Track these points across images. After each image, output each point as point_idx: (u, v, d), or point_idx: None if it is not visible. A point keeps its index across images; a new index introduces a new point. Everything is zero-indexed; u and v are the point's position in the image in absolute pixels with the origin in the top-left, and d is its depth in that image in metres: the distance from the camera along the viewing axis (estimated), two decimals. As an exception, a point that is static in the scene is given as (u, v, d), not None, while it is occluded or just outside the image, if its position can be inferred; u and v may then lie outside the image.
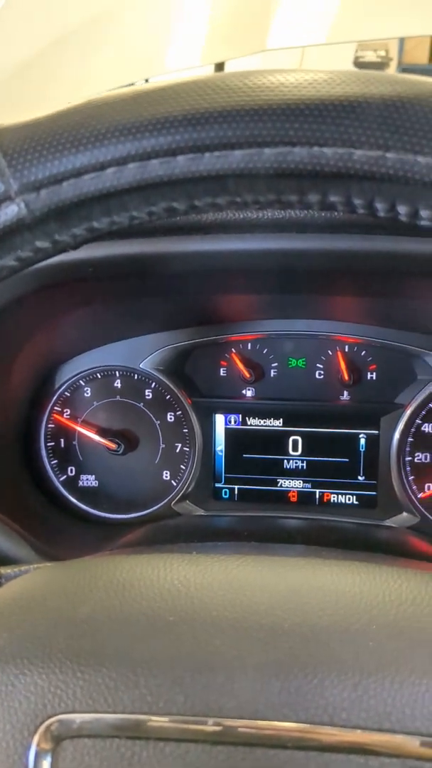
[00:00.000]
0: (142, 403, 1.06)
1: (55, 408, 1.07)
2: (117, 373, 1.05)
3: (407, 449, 1.01)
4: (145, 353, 1.03)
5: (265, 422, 1.05)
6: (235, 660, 0.35)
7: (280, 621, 0.37)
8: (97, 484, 1.08)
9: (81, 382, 1.06)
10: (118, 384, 1.06)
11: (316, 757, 0.33)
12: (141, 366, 1.04)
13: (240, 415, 1.05)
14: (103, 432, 1.06)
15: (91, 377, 1.06)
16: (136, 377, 1.05)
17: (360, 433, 1.03)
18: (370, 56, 3.46)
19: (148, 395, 1.05)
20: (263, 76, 0.35)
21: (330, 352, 1.02)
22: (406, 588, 0.40)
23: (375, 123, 0.32)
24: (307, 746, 0.33)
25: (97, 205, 0.35)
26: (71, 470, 1.08)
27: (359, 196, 0.34)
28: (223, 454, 1.06)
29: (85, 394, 1.06)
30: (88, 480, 1.09)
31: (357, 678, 0.35)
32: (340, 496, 1.04)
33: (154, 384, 1.05)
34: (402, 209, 0.34)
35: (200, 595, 0.39)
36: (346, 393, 1.03)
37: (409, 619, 0.37)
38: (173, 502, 1.06)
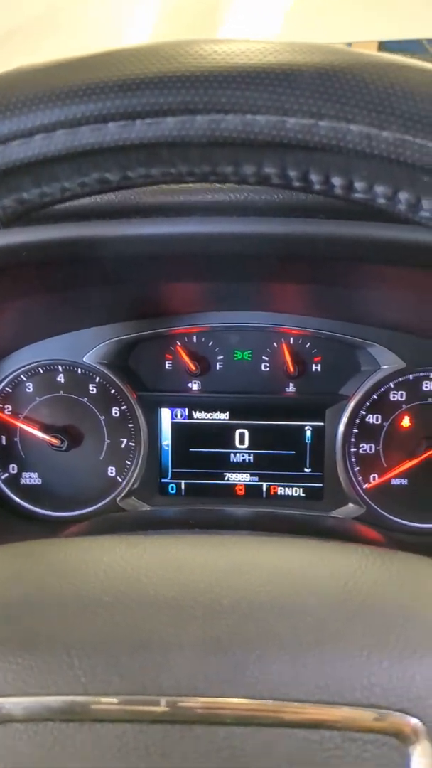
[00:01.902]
0: (86, 398, 1.04)
1: (-4, 404, 1.04)
2: (60, 367, 1.03)
3: (352, 440, 1.02)
4: (89, 347, 1.02)
5: (211, 415, 1.04)
6: (172, 638, 0.35)
7: (219, 598, 0.37)
8: (40, 482, 1.06)
9: (22, 377, 1.03)
10: (61, 379, 1.04)
11: (256, 732, 0.33)
12: (84, 360, 1.02)
13: (186, 409, 1.05)
14: (45, 428, 1.04)
15: (32, 372, 1.03)
16: (79, 371, 1.03)
17: (306, 425, 1.03)
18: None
19: (92, 390, 1.04)
20: (196, 44, 0.34)
21: (275, 345, 1.02)
22: (346, 562, 0.40)
23: (308, 91, 0.32)
24: (247, 722, 0.33)
25: (26, 175, 0.34)
26: (13, 468, 1.06)
27: (294, 167, 0.34)
28: (170, 449, 1.05)
29: (27, 390, 1.04)
30: (31, 477, 1.06)
31: (296, 652, 0.34)
32: (286, 488, 1.05)
33: (98, 378, 1.03)
34: (336, 181, 0.34)
35: (138, 574, 0.39)
36: (291, 385, 1.03)
37: (349, 593, 0.37)
38: (119, 499, 1.04)
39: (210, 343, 1.03)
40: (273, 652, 0.34)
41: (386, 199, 0.34)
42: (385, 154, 0.32)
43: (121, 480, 1.05)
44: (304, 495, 1.04)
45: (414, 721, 0.32)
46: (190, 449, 1.05)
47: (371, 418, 1.01)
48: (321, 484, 1.04)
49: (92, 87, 0.33)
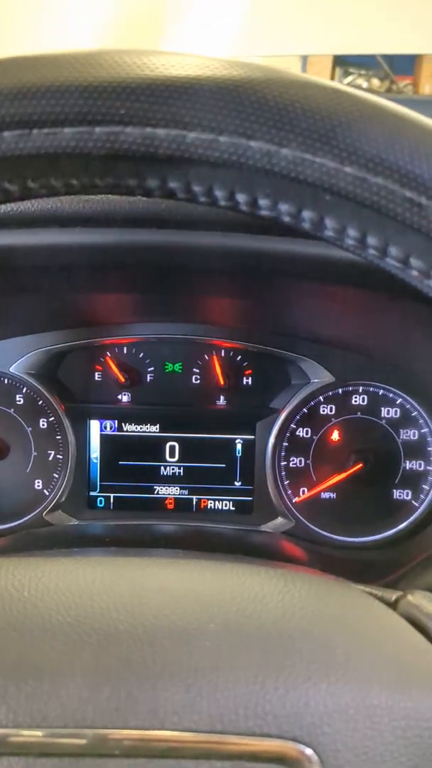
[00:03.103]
0: (12, 409, 1.01)
1: None
2: None
3: (282, 454, 1.02)
4: (16, 356, 0.99)
5: (141, 428, 1.03)
6: (63, 666, 0.33)
7: (115, 623, 0.35)
8: None
9: None
10: None
11: (146, 764, 0.32)
12: (11, 370, 0.99)
13: (116, 421, 1.03)
14: (-31, 440, 1.01)
15: None
16: (6, 382, 1.01)
17: (236, 438, 1.03)
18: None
19: (19, 401, 1.01)
20: (99, 55, 0.33)
21: (206, 357, 1.02)
22: (249, 585, 0.39)
23: (207, 105, 0.32)
24: (136, 753, 0.32)
25: None
26: None
27: (198, 182, 0.33)
28: (98, 462, 1.03)
29: None
30: None
31: (190, 680, 0.33)
32: (217, 502, 1.04)
33: (25, 389, 1.01)
34: (241, 197, 0.33)
35: (33, 599, 0.37)
36: (222, 398, 1.03)
37: (248, 617, 0.36)
38: (45, 512, 1.02)
39: (140, 355, 1.02)
40: (167, 680, 0.33)
41: (290, 216, 0.33)
42: (286, 172, 0.32)
43: (48, 493, 1.03)
44: (233, 509, 1.04)
45: (308, 750, 0.32)
46: (120, 462, 1.03)
47: (301, 432, 1.02)
48: (251, 498, 1.03)
49: None
